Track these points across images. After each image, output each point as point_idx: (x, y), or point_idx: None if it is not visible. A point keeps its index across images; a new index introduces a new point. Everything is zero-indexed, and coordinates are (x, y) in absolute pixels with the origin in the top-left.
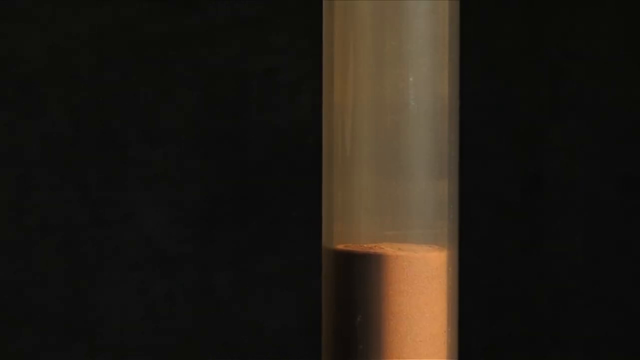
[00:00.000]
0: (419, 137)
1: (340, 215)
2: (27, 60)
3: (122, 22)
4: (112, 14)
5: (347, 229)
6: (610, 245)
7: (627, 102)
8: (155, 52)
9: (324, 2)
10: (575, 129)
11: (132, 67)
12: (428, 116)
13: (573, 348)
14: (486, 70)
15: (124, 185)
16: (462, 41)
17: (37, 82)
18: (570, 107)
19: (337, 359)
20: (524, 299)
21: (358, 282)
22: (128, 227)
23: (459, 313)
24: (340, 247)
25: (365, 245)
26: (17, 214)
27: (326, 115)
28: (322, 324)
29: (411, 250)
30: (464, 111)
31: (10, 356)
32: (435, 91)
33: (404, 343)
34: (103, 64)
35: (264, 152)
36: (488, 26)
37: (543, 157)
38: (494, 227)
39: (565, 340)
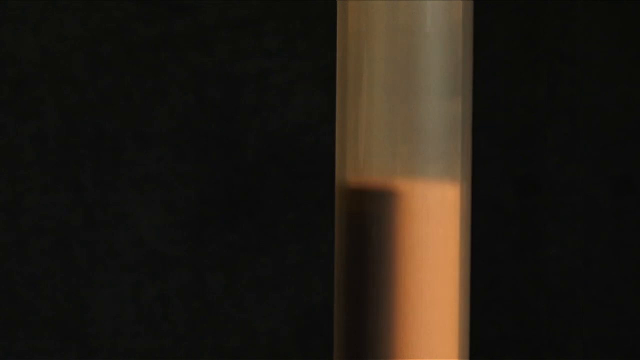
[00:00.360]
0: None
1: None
2: (21, 62)
3: (115, 25)
4: (105, 16)
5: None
6: (604, 246)
7: (621, 104)
8: (148, 54)
9: None
10: (569, 131)
11: (125, 70)
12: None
13: (567, 349)
14: (481, 73)
15: (117, 187)
16: None
17: (30, 83)
18: (564, 109)
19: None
20: (518, 300)
21: (372, 215)
22: (121, 229)
23: (471, 240)
24: (354, 182)
25: (378, 179)
26: (11, 215)
27: (341, 43)
28: (335, 243)
29: (424, 185)
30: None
31: (3, 357)
32: (449, 17)
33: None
34: (96, 66)
35: (257, 154)
36: (482, 31)
37: (537, 159)
38: (488, 229)
39: (559, 341)
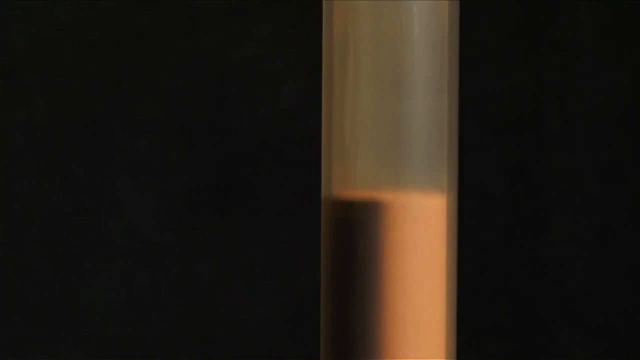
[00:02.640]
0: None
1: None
2: (10, 50)
3: (104, 12)
4: (94, 3)
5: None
6: (595, 234)
7: (611, 91)
8: (138, 41)
9: None
10: (560, 119)
11: (115, 57)
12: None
13: (558, 337)
14: (470, 61)
15: (108, 174)
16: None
17: (19, 72)
18: (555, 96)
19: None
20: (509, 289)
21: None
22: (112, 217)
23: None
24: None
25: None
26: (1, 203)
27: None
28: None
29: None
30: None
31: None
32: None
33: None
34: (86, 53)
35: (247, 141)
36: (473, 18)
37: (527, 147)
38: (478, 218)
39: (550, 329)
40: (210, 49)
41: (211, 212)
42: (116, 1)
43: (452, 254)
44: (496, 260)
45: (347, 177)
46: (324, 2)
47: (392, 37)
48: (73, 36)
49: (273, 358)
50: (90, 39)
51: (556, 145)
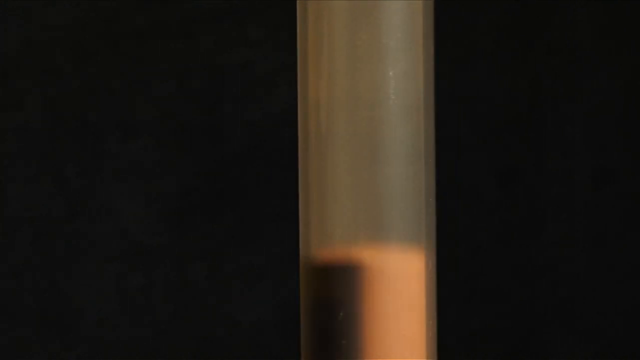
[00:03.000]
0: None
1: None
2: (2, 52)
3: (98, 15)
4: (88, 6)
5: (324, 229)
6: (586, 236)
7: (605, 94)
8: (131, 44)
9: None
10: (552, 121)
11: (108, 60)
12: (406, 111)
13: (550, 339)
14: (460, 62)
15: (100, 177)
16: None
17: (12, 74)
18: (548, 99)
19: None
20: (501, 290)
21: (337, 290)
22: (104, 220)
23: (437, 311)
24: (318, 255)
25: (342, 251)
26: None
27: (302, 110)
28: (301, 323)
29: (389, 254)
30: (439, 103)
31: None
32: (412, 86)
33: (384, 342)
34: (79, 56)
35: (240, 144)
36: (463, 20)
37: (518, 149)
38: (469, 219)
39: (542, 331)
40: (203, 52)
41: (204, 215)
42: (110, 4)
43: (432, 312)
44: (488, 262)
45: (324, 238)
46: (298, 64)
47: (368, 101)
48: (66, 39)
49: (267, 359)
50: (83, 42)
51: (548, 148)
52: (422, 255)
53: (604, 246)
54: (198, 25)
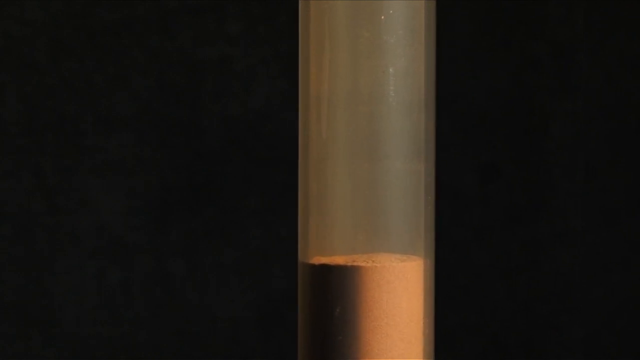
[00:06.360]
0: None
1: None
2: None
3: (76, 9)
4: (66, 1)
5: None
6: (569, 232)
7: (586, 91)
8: (109, 39)
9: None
10: (535, 118)
11: (86, 54)
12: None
13: (534, 337)
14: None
15: (79, 173)
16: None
17: None
18: (530, 96)
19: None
20: (481, 287)
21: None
22: (83, 215)
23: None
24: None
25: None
26: None
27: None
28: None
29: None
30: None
31: None
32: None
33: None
34: (57, 51)
35: (219, 140)
36: (448, 17)
37: (499, 146)
38: (451, 217)
39: (522, 329)
40: (181, 47)
41: (183, 211)
42: (87, 0)
43: (429, 316)
44: (468, 259)
45: (324, 242)
46: (300, 60)
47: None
48: (44, 34)
49: (245, 357)
50: (60, 37)
51: (531, 145)
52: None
53: (592, 243)
54: (175, 21)
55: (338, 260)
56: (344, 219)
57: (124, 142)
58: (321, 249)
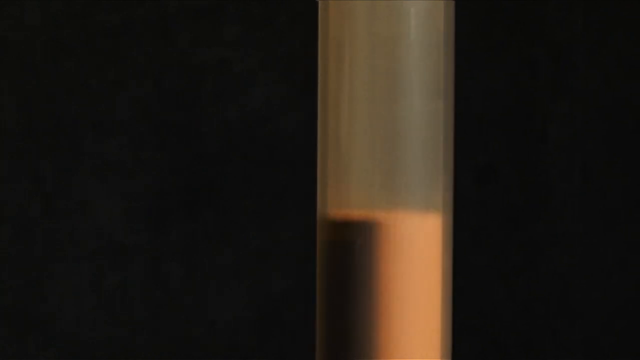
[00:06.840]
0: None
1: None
2: None
3: (74, 13)
4: (64, 4)
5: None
6: (568, 234)
7: (584, 93)
8: (108, 42)
9: None
10: (531, 120)
11: (84, 58)
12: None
13: (533, 338)
14: None
15: (77, 175)
16: None
17: None
18: (528, 97)
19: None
20: (478, 289)
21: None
22: (81, 218)
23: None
24: (334, 214)
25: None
26: None
27: (322, 50)
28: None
29: (405, 214)
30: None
31: None
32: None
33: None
34: (55, 54)
35: (217, 143)
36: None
37: (496, 147)
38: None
39: (521, 330)
40: (179, 50)
41: (181, 213)
42: (87, 1)
43: (447, 271)
44: (465, 261)
45: (342, 197)
46: (319, 2)
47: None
48: (41, 37)
49: (245, 357)
50: (59, 40)
51: (528, 146)
52: (439, 213)
53: (586, 244)
54: (175, 24)
55: (357, 215)
56: (363, 174)
57: (122, 145)
58: (340, 205)
